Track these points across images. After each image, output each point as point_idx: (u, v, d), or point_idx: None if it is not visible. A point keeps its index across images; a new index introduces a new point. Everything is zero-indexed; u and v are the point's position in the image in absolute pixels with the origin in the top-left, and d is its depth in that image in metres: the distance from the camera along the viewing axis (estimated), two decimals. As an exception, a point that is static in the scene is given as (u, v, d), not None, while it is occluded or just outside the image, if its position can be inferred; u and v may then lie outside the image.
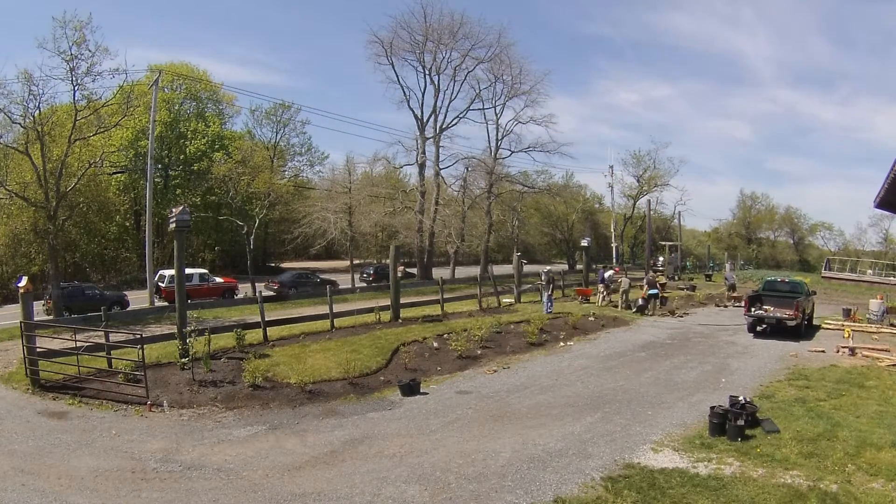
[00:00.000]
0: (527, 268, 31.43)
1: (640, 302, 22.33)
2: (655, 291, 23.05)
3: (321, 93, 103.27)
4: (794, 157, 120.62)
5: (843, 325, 18.86)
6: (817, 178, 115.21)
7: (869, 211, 69.67)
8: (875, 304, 21.54)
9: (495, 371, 13.40)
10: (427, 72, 38.99)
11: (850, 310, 22.24)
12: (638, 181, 58.02)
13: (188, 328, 13.22)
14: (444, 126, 39.93)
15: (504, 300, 23.63)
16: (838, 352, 15.12)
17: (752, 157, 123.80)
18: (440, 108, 39.58)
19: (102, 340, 12.94)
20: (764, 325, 17.90)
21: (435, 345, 15.11)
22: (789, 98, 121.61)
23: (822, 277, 38.98)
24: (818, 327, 19.51)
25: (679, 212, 56.24)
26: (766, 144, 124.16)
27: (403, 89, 38.91)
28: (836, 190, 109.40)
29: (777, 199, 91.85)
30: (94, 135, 23.41)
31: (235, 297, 26.25)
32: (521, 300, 24.22)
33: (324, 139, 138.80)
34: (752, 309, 18.00)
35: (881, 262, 43.29)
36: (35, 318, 13.70)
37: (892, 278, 36.40)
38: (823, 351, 15.31)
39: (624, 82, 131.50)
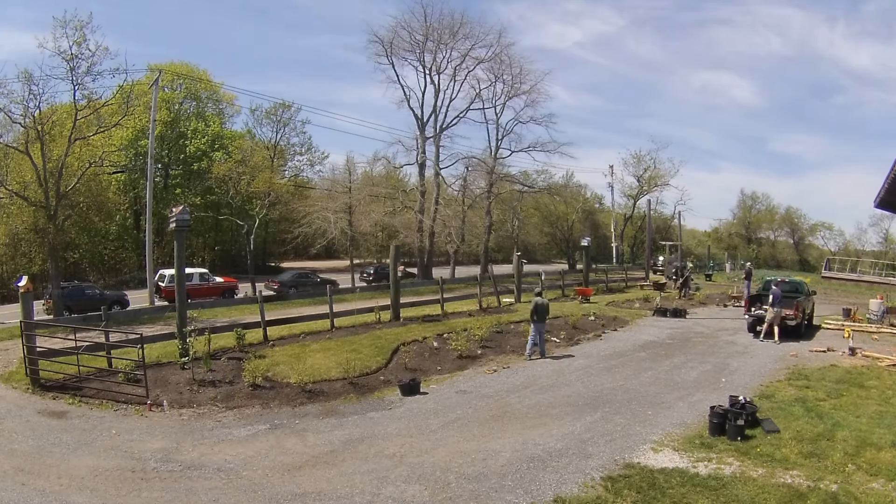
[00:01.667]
0: (527, 268, 31.42)
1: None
2: None
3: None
4: (810, 133, 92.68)
5: (843, 325, 18.85)
6: (837, 162, 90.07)
7: (869, 211, 69.78)
8: (875, 304, 21.53)
9: (495, 371, 13.38)
10: (427, 71, 39.00)
11: (850, 310, 22.23)
12: (638, 181, 58.09)
13: (188, 328, 13.22)
14: (444, 126, 39.93)
15: (504, 300, 23.62)
16: (835, 351, 15.12)
17: (759, 135, 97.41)
18: (440, 107, 39.60)
19: (102, 340, 12.95)
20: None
21: (435, 344, 15.11)
22: (797, 24, 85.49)
23: (822, 277, 38.99)
24: (818, 327, 19.51)
25: (679, 212, 56.38)
26: (776, 111, 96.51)
27: (403, 89, 38.95)
28: (859, 177, 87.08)
29: (782, 196, 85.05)
30: (94, 134, 23.42)
31: (235, 297, 26.26)
32: (522, 300, 24.21)
33: (324, 139, 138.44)
34: (752, 309, 17.99)
35: (881, 262, 43.30)
36: (35, 318, 13.70)
37: (892, 278, 36.39)
38: (824, 351, 15.31)
39: (537, 4, 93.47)
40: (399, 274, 20.70)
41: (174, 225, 13.65)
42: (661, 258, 43.12)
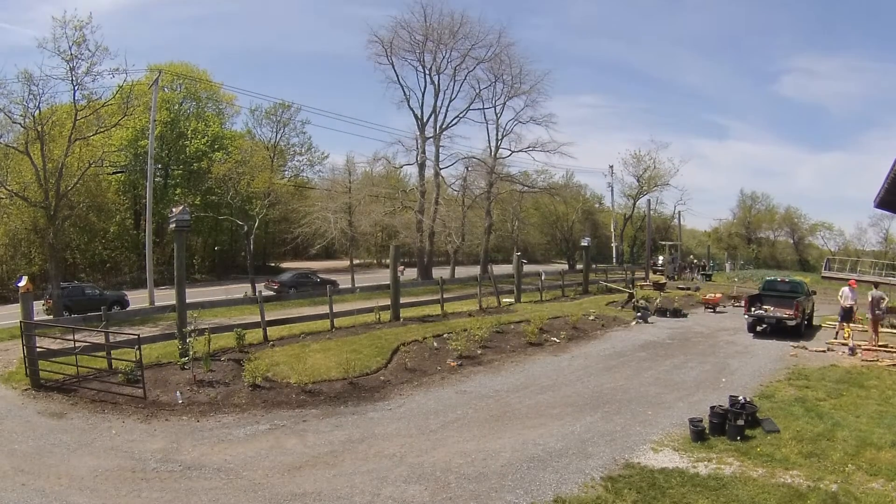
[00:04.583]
0: (526, 268, 31.40)
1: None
2: None
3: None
4: (850, 55, 70.54)
5: (842, 325, 18.81)
6: (877, 113, 72.59)
7: (869, 211, 69.83)
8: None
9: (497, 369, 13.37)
10: (427, 71, 39.12)
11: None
12: (638, 181, 58.08)
13: (188, 328, 13.21)
14: (444, 126, 40.03)
15: (504, 300, 23.61)
16: (833, 349, 15.12)
17: (768, 65, 79.07)
18: (440, 107, 39.72)
19: (102, 340, 12.95)
20: (764, 325, 17.89)
21: (435, 344, 15.09)
22: None
23: (823, 277, 38.96)
24: (818, 327, 19.51)
25: (679, 211, 56.44)
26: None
27: (403, 89, 39.06)
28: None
29: (806, 181, 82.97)
30: (93, 134, 23.39)
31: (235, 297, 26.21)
32: (521, 300, 24.21)
33: (324, 139, 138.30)
34: (752, 309, 18.00)
35: (881, 262, 43.29)
36: (35, 318, 13.69)
37: (892, 278, 36.37)
38: (824, 351, 15.32)
39: None
40: (399, 275, 20.69)
41: (174, 225, 13.64)
42: (660, 258, 43.14)
